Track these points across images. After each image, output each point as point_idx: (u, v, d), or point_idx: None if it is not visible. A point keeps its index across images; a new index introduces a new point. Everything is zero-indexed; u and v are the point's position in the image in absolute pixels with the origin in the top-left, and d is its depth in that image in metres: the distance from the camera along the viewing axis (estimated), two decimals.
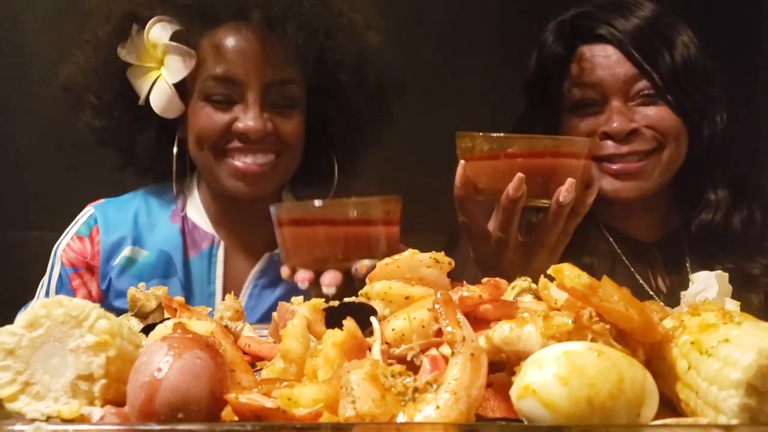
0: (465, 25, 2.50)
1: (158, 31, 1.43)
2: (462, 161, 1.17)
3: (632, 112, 1.48)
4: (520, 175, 1.09)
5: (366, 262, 1.12)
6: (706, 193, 1.55)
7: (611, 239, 1.61)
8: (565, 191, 1.12)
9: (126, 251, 1.54)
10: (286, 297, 1.56)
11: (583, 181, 1.17)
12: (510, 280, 0.94)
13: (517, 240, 1.20)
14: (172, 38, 1.42)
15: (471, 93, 2.41)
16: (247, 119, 1.41)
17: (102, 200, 1.63)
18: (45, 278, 1.59)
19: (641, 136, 1.47)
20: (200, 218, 1.58)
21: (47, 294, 1.55)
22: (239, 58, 1.42)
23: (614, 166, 1.49)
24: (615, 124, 1.46)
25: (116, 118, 1.54)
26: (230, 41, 1.43)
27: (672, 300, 1.50)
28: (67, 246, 1.56)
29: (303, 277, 1.15)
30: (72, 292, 1.54)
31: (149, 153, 1.58)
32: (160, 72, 1.45)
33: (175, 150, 1.53)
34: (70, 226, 1.60)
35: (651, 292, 1.57)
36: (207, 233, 1.57)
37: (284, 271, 1.19)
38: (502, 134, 1.13)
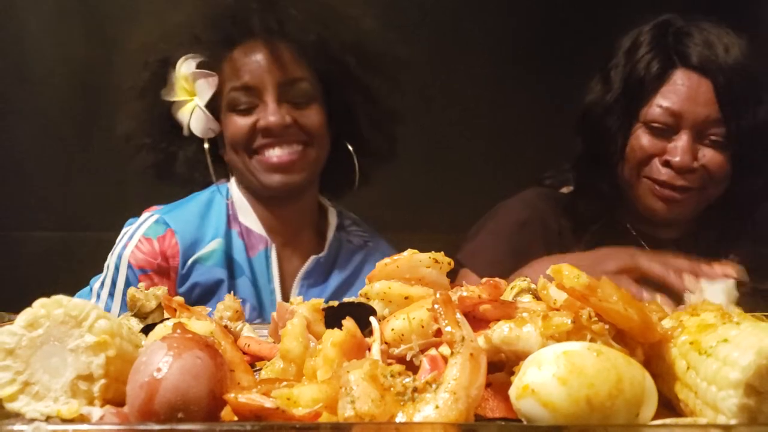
0: (464, 24, 2.51)
1: (186, 66, 1.64)
2: None
3: (696, 149, 1.53)
4: None
5: None
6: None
7: (638, 238, 1.68)
8: None
9: (205, 248, 1.66)
10: (334, 296, 1.66)
11: None
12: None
13: None
14: (198, 67, 1.63)
15: (472, 92, 2.41)
16: (268, 115, 1.59)
17: (160, 206, 1.72)
18: (106, 280, 1.62)
19: (695, 173, 1.53)
20: (253, 223, 1.71)
21: (111, 296, 1.60)
22: (253, 69, 1.61)
23: (665, 192, 1.56)
24: (678, 158, 1.51)
25: (166, 152, 1.72)
26: (244, 57, 1.62)
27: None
28: (135, 248, 1.63)
29: None
30: None
31: (189, 168, 1.75)
32: (194, 100, 1.66)
33: (209, 159, 1.69)
34: (132, 231, 1.65)
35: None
36: (261, 236, 1.70)
37: None
38: None
